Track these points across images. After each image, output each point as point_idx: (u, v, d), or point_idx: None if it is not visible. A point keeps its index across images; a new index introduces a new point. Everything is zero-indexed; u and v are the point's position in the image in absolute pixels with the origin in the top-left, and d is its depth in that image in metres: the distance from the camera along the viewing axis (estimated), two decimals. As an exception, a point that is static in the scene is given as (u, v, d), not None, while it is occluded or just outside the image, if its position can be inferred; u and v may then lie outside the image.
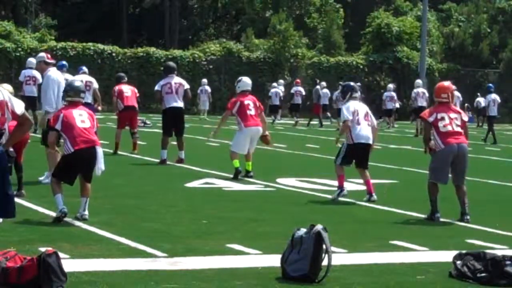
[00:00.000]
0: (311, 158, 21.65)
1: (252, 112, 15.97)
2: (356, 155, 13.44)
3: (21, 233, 9.32)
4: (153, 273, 7.71)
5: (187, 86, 18.37)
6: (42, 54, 14.78)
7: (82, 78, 20.55)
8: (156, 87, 18.46)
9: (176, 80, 18.22)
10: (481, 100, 37.34)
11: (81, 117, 10.65)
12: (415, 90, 33.28)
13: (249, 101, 16.08)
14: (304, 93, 40.47)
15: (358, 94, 13.88)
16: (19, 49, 43.70)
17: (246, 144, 15.92)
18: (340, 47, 53.88)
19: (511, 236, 10.58)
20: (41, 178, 13.71)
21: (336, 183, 14.29)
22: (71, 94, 10.85)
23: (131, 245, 8.89)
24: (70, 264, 7.57)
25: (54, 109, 13.43)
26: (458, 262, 8.02)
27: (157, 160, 18.10)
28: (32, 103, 23.87)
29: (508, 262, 7.84)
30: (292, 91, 40.69)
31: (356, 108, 13.50)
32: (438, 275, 8.08)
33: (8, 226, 9.17)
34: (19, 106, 7.32)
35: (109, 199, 12.39)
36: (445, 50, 57.27)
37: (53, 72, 14.21)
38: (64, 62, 21.56)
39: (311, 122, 38.28)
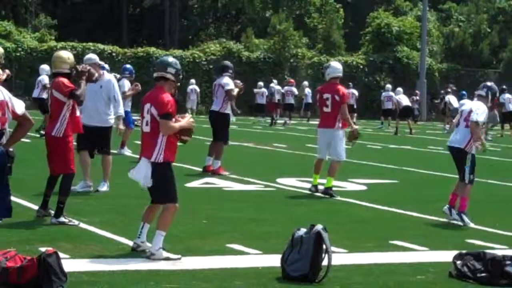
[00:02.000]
0: (311, 158, 21.63)
1: (328, 109, 13.72)
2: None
3: (21, 233, 9.32)
4: (153, 273, 7.71)
5: (227, 87, 16.50)
6: (93, 56, 13.49)
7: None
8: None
9: (219, 80, 16.76)
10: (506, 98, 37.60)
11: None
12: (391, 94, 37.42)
13: (329, 94, 13.72)
14: (296, 92, 40.54)
15: (481, 92, 11.83)
16: (19, 49, 43.74)
17: (322, 148, 13.93)
18: (340, 47, 53.94)
19: (511, 236, 10.58)
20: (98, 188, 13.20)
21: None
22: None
23: (131, 245, 8.88)
24: (70, 264, 7.57)
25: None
26: (458, 262, 8.02)
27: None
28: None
29: (508, 262, 7.85)
30: (283, 91, 40.84)
31: (462, 108, 11.89)
32: (438, 275, 8.08)
33: (8, 226, 9.17)
34: (19, 106, 7.32)
35: (109, 199, 12.39)
36: (445, 50, 57.30)
37: (109, 75, 13.46)
38: (128, 66, 20.40)
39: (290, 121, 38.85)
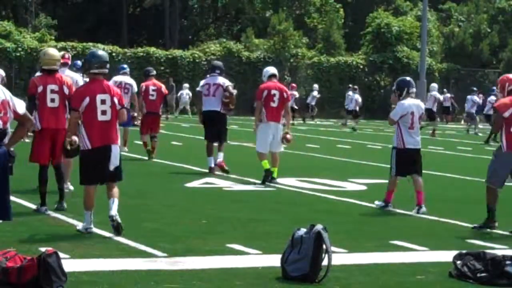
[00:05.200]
0: (311, 158, 21.66)
1: (275, 104, 14.87)
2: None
3: (21, 233, 9.32)
4: (153, 273, 7.71)
5: (227, 84, 16.53)
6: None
7: (122, 80, 19.30)
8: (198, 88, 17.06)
9: (217, 80, 16.53)
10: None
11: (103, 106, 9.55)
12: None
13: (276, 91, 14.92)
14: (297, 95, 40.56)
15: (414, 90, 12.40)
16: (19, 49, 43.74)
17: (267, 141, 14.94)
18: (340, 47, 53.94)
19: (511, 236, 10.58)
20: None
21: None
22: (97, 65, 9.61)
23: (131, 245, 8.88)
24: (70, 264, 7.57)
25: None
26: (458, 262, 8.02)
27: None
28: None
29: (508, 262, 7.84)
30: None
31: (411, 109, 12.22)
32: (438, 275, 8.08)
33: (8, 226, 9.16)
34: (20, 106, 7.34)
35: (109, 199, 12.36)
36: (445, 50, 57.32)
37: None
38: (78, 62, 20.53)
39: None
